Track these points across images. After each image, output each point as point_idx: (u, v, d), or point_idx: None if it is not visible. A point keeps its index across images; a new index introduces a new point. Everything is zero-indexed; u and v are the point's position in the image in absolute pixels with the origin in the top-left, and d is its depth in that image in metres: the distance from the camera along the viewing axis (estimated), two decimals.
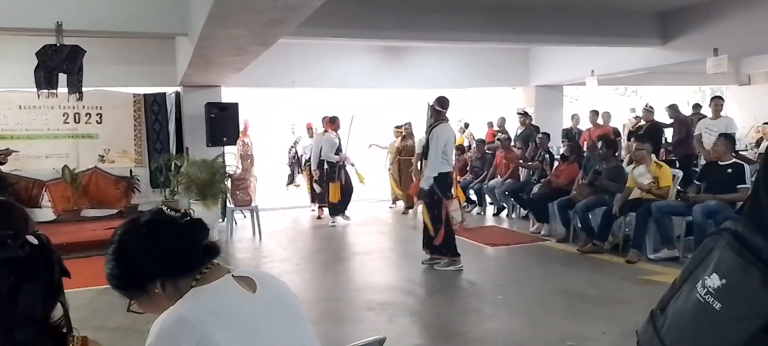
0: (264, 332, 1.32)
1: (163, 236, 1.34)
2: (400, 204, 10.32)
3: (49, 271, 1.03)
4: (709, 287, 0.79)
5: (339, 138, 8.77)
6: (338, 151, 8.68)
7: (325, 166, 8.72)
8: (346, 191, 8.81)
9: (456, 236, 5.91)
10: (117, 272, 1.34)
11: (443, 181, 5.80)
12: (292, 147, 11.62)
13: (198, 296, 1.29)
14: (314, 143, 9.31)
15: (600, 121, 10.30)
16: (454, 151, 5.88)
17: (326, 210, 9.06)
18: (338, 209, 8.76)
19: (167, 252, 1.32)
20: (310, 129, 10.41)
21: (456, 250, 5.85)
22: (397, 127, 10.34)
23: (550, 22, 8.20)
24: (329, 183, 8.68)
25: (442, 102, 5.91)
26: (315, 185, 9.27)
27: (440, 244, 5.81)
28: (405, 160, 9.69)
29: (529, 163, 8.80)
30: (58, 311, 1.06)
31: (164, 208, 1.40)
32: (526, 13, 8.05)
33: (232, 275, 1.37)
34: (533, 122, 10.57)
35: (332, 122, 8.81)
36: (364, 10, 7.37)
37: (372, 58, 10.76)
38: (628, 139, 9.36)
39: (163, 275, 1.31)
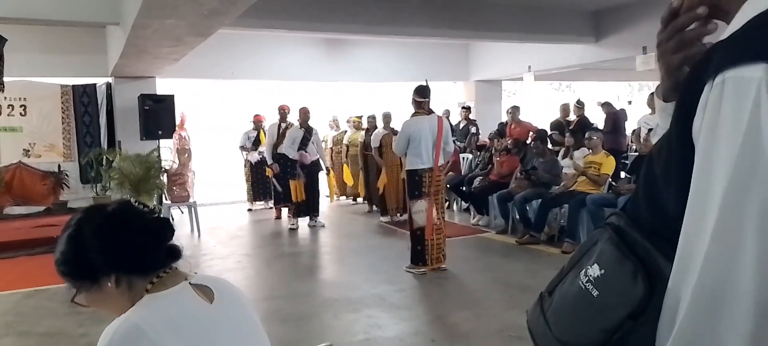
0: (220, 345, 1.28)
1: (128, 229, 1.27)
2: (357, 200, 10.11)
3: None
4: (591, 275, 0.86)
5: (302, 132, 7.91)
6: (304, 144, 7.80)
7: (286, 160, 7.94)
8: (311, 190, 8.00)
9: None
10: (68, 257, 1.26)
11: (411, 178, 5.43)
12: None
13: (153, 303, 1.23)
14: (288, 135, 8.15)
15: (528, 118, 10.52)
16: (430, 147, 5.33)
17: (284, 210, 8.50)
18: (303, 209, 7.99)
19: (128, 246, 1.26)
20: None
21: (416, 257, 5.45)
22: (357, 118, 9.85)
23: (490, 17, 8.37)
24: (288, 180, 7.95)
25: (420, 91, 5.47)
26: (273, 181, 8.53)
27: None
28: (371, 155, 8.78)
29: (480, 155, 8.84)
30: None
31: (132, 200, 1.34)
32: (466, 8, 8.17)
33: (190, 283, 1.32)
34: (472, 116, 10.74)
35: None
36: (305, 2, 7.28)
37: (314, 51, 10.65)
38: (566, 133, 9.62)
39: (118, 270, 1.25)
